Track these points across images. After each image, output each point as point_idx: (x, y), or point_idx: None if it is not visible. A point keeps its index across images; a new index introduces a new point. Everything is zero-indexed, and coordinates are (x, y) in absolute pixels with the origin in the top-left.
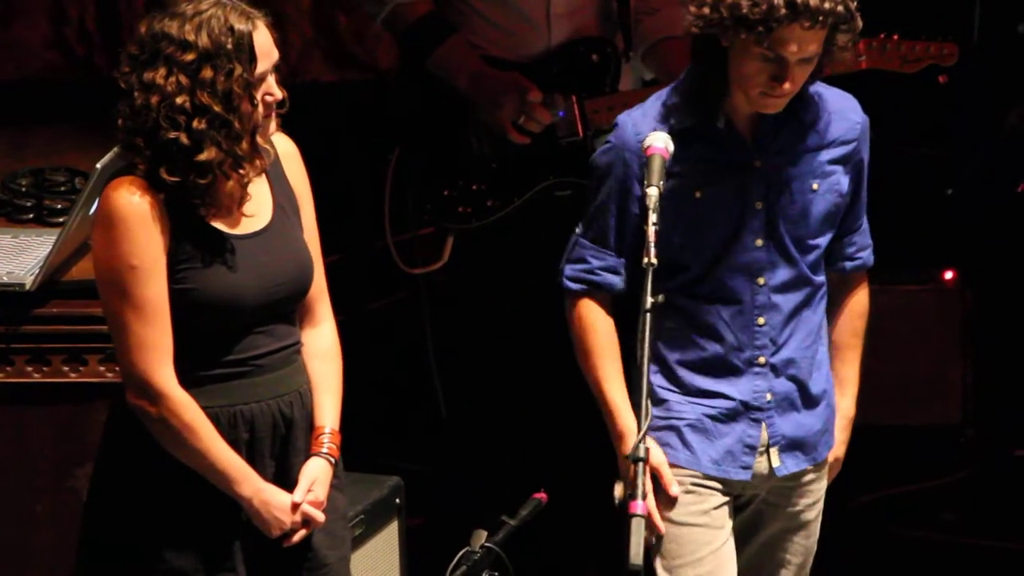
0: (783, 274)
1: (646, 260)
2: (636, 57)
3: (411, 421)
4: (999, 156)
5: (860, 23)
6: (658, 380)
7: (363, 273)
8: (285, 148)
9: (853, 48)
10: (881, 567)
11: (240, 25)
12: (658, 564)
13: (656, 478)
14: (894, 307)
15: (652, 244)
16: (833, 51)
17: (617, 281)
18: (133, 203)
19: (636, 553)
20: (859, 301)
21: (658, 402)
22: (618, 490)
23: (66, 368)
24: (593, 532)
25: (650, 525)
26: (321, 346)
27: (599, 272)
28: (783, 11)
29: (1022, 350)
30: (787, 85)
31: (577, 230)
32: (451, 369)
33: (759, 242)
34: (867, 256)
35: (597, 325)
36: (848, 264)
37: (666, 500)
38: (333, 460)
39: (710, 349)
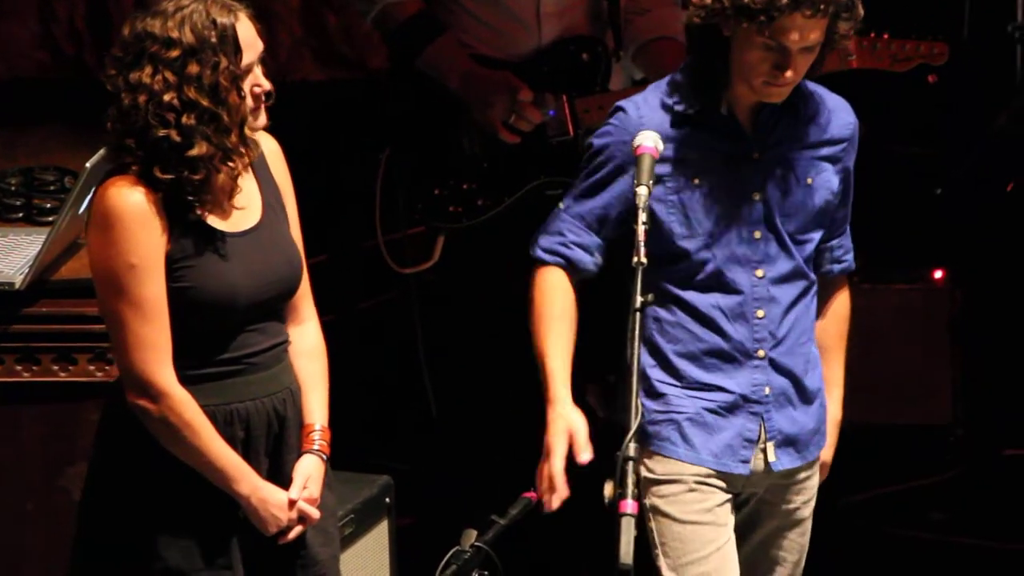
0: (781, 267)
1: (636, 259)
2: (626, 57)
3: (401, 420)
4: (988, 156)
5: (861, 11)
6: (656, 374)
7: (353, 272)
8: (269, 147)
9: (847, 42)
10: (870, 566)
11: (222, 18)
12: (663, 564)
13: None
14: (884, 306)
15: (642, 243)
16: (835, 39)
17: (589, 261)
18: (130, 202)
19: (626, 552)
20: (843, 304)
21: (657, 396)
22: (608, 489)
23: (56, 367)
24: (583, 531)
25: (639, 521)
26: (307, 344)
27: (572, 247)
28: (784, 0)
29: (1011, 349)
30: (789, 74)
31: (561, 204)
32: (441, 368)
33: (757, 234)
34: (851, 259)
35: (556, 293)
36: (836, 267)
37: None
38: (325, 457)
39: (709, 341)
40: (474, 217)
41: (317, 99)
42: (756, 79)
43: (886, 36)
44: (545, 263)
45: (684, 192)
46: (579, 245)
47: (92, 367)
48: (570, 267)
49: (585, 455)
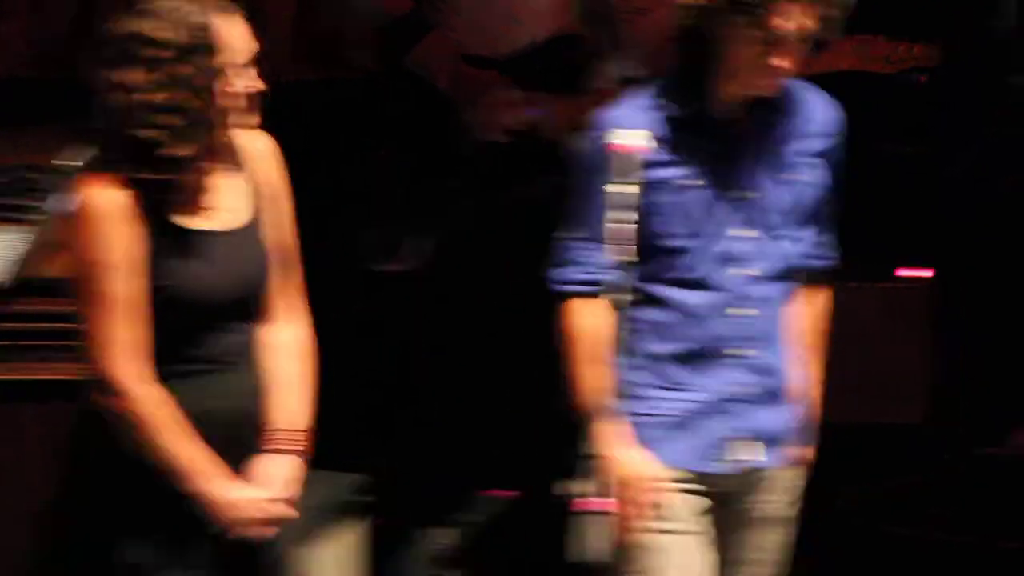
0: (768, 265)
1: (619, 258)
2: (620, 56)
3: (398, 419)
4: (970, 158)
5: None
6: (635, 375)
7: (350, 272)
8: (261, 145)
9: (837, 40)
10: (845, 564)
11: (210, 19)
12: (638, 573)
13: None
14: (863, 305)
15: (621, 241)
16: (830, 26)
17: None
18: (107, 200)
19: (591, 549)
20: (823, 302)
21: (635, 397)
22: (580, 487)
23: (41, 365)
24: (565, 530)
25: (621, 527)
26: (286, 343)
27: (598, 270)
28: None
29: (987, 349)
30: (787, 64)
31: (565, 232)
32: (439, 368)
33: (747, 232)
34: (833, 256)
35: (584, 332)
36: (818, 263)
37: (652, 507)
38: (295, 457)
39: (690, 339)
40: (470, 216)
41: (311, 99)
42: (753, 73)
43: (879, 37)
44: (575, 295)
45: (676, 193)
46: (603, 267)
47: (76, 366)
48: (603, 291)
49: (664, 497)
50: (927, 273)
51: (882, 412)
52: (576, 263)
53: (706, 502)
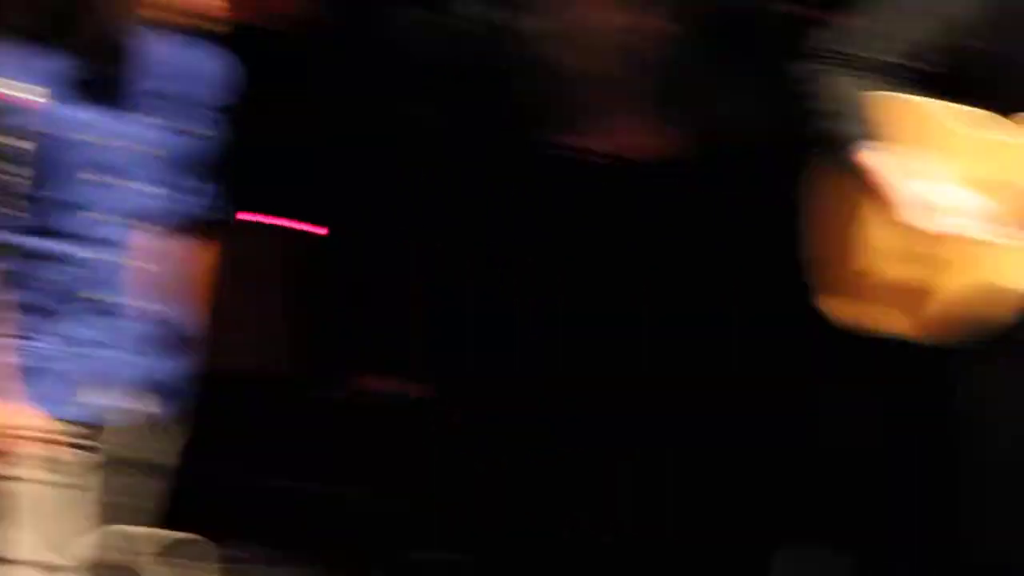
0: (131, 212)
1: None
2: None
3: None
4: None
5: None
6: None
7: None
8: None
9: None
10: (213, 515)
11: None
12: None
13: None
14: (225, 251)
15: None
16: None
17: None
18: None
19: None
20: (207, 249)
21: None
22: None
23: None
24: None
25: None
26: None
27: None
28: None
29: (346, 298)
30: None
31: None
32: None
33: (108, 179)
34: (217, 205)
35: None
36: (202, 211)
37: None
38: None
39: (50, 288)
40: None
41: None
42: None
43: None
44: None
45: (44, 142)
46: None
47: None
48: None
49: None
50: (285, 223)
51: (248, 360)
52: None
53: (80, 455)
